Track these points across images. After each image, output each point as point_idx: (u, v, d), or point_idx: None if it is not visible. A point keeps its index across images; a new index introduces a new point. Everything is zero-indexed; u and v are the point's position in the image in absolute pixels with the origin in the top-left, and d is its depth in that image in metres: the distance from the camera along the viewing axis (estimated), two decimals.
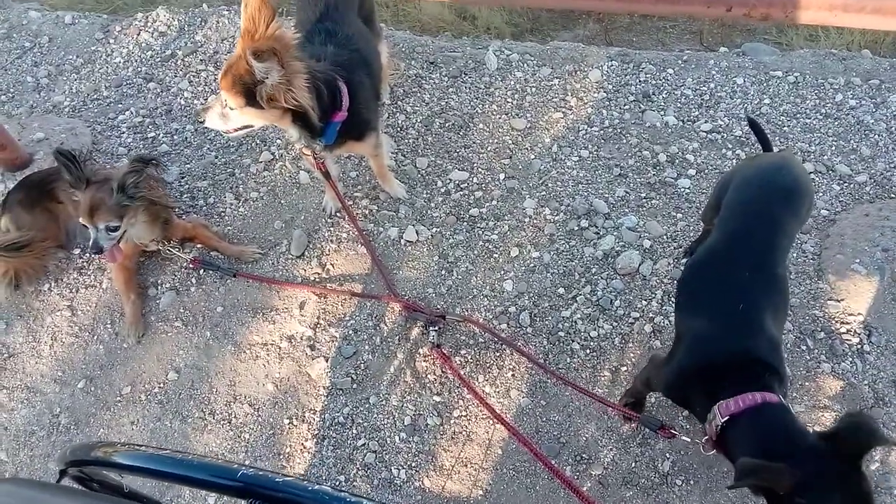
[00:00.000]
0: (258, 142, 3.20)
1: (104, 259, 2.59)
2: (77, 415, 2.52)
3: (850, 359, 2.43)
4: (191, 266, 2.74)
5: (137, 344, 2.66)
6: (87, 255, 2.59)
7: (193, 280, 2.77)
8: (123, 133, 3.29)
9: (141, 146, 3.21)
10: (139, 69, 3.60)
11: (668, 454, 2.29)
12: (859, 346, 2.46)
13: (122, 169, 2.45)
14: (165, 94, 3.45)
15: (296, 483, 0.98)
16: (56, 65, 3.69)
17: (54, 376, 2.61)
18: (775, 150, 2.88)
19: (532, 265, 2.76)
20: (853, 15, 3.32)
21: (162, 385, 2.57)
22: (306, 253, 2.84)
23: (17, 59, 3.75)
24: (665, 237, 2.78)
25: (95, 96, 3.50)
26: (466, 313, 2.64)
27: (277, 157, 3.15)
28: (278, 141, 3.19)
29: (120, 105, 3.42)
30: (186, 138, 3.26)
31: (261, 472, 1.00)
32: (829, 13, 3.35)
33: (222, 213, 2.97)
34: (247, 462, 2.39)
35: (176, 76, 3.53)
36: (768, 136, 2.41)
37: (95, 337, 2.68)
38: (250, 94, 2.08)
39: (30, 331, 2.71)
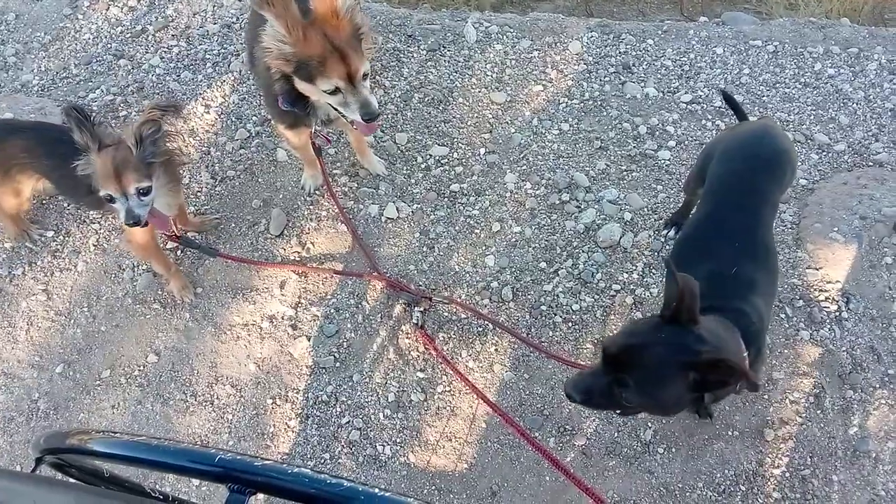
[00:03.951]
0: (234, 119, 3.14)
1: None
2: (56, 400, 2.49)
3: (829, 326, 2.46)
4: (167, 240, 2.63)
5: (195, 297, 2.66)
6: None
7: (171, 261, 2.73)
8: (94, 112, 3.20)
9: (113, 125, 3.14)
10: (109, 46, 3.50)
11: (649, 423, 2.31)
12: (837, 314, 2.48)
13: (137, 120, 2.15)
14: (137, 71, 3.36)
15: (275, 466, 0.97)
16: (24, 42, 3.58)
17: (31, 361, 2.57)
18: (755, 118, 2.89)
19: (513, 240, 2.75)
20: None
21: (142, 368, 2.54)
22: (285, 232, 2.80)
23: None
24: (646, 209, 2.78)
25: (65, 74, 3.40)
26: (448, 289, 2.63)
27: (254, 134, 3.09)
28: (254, 118, 3.13)
29: (90, 83, 3.34)
30: None
31: (239, 457, 0.98)
32: None
33: (198, 193, 2.92)
34: (230, 443, 2.39)
35: (147, 52, 3.44)
36: (743, 107, 2.43)
37: (72, 321, 2.64)
38: (360, 43, 2.07)
39: (5, 316, 2.66)
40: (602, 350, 1.59)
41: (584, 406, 1.71)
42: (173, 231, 2.42)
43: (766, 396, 2.35)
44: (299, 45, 1.99)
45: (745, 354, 1.64)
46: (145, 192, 2.14)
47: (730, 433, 2.29)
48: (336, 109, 2.18)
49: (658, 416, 2.28)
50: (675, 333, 1.52)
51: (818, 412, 2.32)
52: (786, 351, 2.42)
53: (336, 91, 2.08)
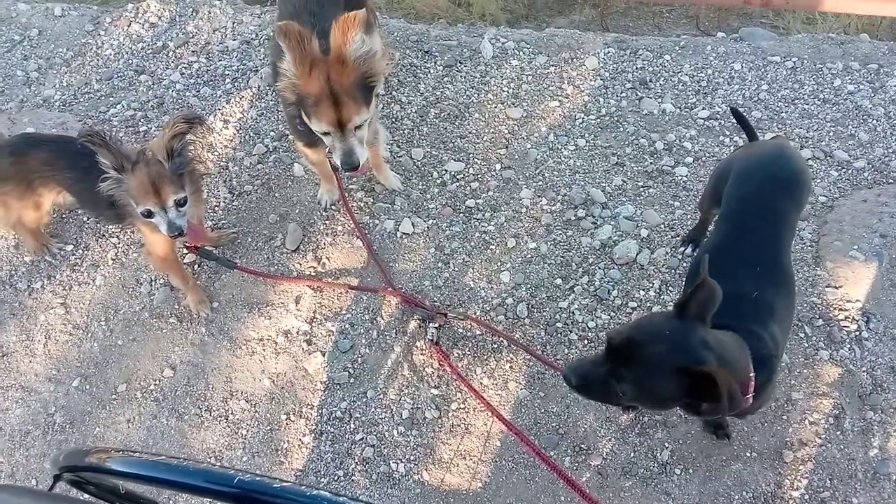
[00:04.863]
0: (252, 134, 3.17)
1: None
2: (72, 413, 2.51)
3: (849, 345, 2.43)
4: (185, 250, 2.64)
5: (211, 312, 2.67)
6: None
7: (189, 275, 2.74)
8: (115, 127, 3.25)
9: (133, 140, 3.18)
10: (130, 61, 3.55)
11: (666, 443, 2.29)
12: (857, 333, 2.45)
13: (165, 133, 2.14)
14: (157, 87, 3.41)
15: (293, 488, 0.97)
16: (46, 58, 3.65)
17: (49, 375, 2.60)
18: (772, 136, 2.87)
19: (529, 256, 2.74)
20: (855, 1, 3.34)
21: (158, 382, 2.55)
22: (301, 247, 2.82)
23: (7, 52, 3.69)
24: (662, 226, 2.76)
25: (86, 90, 3.45)
26: (463, 306, 2.63)
27: (271, 149, 3.12)
28: (272, 133, 3.15)
29: (111, 98, 3.38)
30: None
31: (258, 478, 0.98)
32: None
33: (216, 208, 2.94)
34: (245, 458, 2.39)
35: (168, 68, 3.49)
36: (762, 123, 2.41)
37: (90, 335, 2.66)
38: (368, 91, 2.03)
39: (23, 329, 2.69)
40: (606, 340, 1.61)
41: (578, 393, 1.73)
42: (194, 243, 2.45)
43: (784, 417, 2.32)
44: (302, 81, 2.00)
45: (752, 375, 1.62)
46: (182, 202, 2.18)
47: (748, 454, 2.26)
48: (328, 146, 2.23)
49: (654, 413, 2.31)
50: (681, 334, 1.52)
51: (838, 433, 2.28)
52: (805, 371, 2.39)
53: (327, 133, 2.11)
